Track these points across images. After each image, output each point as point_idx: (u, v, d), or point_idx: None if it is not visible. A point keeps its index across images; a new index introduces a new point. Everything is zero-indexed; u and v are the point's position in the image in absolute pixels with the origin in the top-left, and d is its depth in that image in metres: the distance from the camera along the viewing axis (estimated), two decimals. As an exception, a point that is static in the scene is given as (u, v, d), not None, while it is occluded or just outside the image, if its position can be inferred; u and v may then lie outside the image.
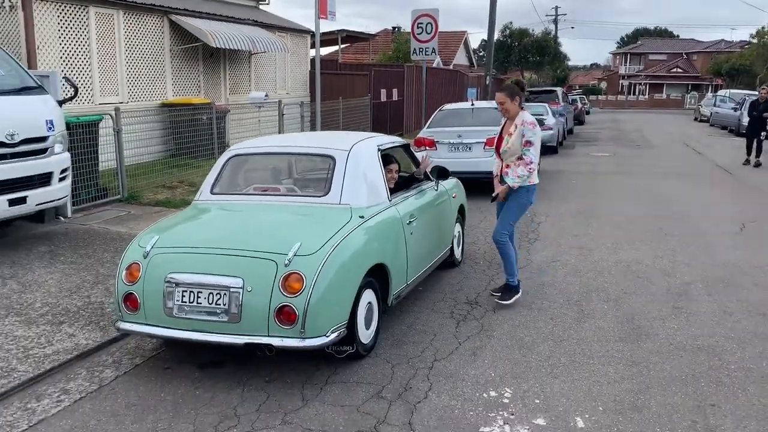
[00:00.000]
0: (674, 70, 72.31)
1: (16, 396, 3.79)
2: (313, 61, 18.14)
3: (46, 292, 5.32)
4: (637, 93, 73.27)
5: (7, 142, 5.89)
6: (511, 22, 52.06)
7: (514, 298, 5.30)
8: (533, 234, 7.94)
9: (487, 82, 22.55)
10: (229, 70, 14.40)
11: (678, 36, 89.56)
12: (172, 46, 12.37)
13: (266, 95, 12.60)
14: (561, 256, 6.92)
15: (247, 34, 13.67)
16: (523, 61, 47.14)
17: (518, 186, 5.18)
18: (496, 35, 45.95)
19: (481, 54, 48.66)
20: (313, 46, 18.56)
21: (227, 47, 12.75)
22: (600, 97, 69.96)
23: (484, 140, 10.14)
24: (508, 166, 5.22)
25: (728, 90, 34.32)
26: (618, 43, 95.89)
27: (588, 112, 41.42)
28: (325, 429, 3.41)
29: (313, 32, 17.09)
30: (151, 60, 11.96)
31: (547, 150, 16.52)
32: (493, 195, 5.42)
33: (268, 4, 17.89)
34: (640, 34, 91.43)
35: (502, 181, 5.31)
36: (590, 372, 4.09)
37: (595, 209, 9.59)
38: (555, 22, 55.74)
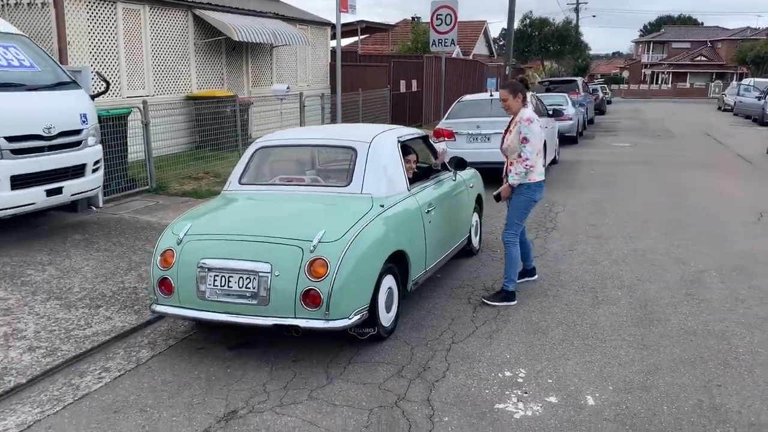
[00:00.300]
0: (698, 58, 71.29)
1: (60, 373, 4.06)
2: (333, 53, 18.35)
3: (83, 277, 5.60)
4: (659, 82, 72.38)
5: (45, 135, 6.18)
6: (531, 12, 51.72)
7: (502, 303, 5.14)
8: (551, 223, 8.08)
9: (507, 72, 22.56)
10: (252, 63, 14.64)
11: (702, 23, 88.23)
12: (196, 40, 12.64)
13: (288, 88, 12.82)
14: (577, 245, 7.07)
15: (269, 28, 13.89)
16: (544, 51, 46.86)
17: (518, 183, 5.19)
18: (517, 24, 45.73)
19: (501, 43, 48.42)
20: (333, 38, 18.74)
21: (250, 41, 12.99)
22: (622, 86, 69.25)
23: (503, 131, 10.26)
24: (511, 163, 5.26)
25: (752, 78, 33.87)
26: (641, 31, 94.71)
27: (609, 102, 41.11)
28: (349, 404, 3.63)
29: (334, 24, 17.27)
30: (176, 54, 12.24)
31: (566, 140, 16.58)
32: (494, 194, 5.47)
33: (288, -4, 18.09)
34: (663, 22, 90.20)
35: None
36: (602, 354, 4.26)
37: (613, 199, 9.69)
38: (576, 10, 55.27)
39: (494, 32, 61.90)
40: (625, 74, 72.29)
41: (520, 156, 5.16)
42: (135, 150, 8.80)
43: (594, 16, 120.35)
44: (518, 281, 5.37)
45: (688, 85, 69.39)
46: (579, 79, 23.81)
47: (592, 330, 4.68)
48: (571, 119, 16.87)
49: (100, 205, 7.78)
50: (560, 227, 7.89)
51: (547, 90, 20.87)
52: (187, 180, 9.65)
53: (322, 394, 3.76)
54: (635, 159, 14.62)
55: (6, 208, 5.98)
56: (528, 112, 5.23)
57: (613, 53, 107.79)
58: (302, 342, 4.38)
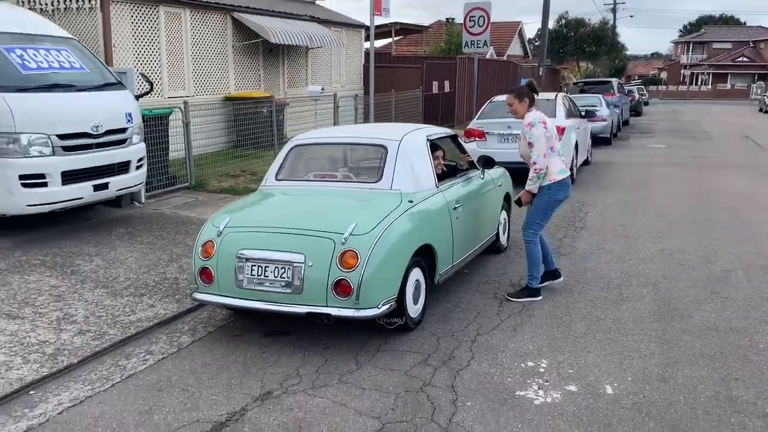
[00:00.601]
0: (740, 59, 69.68)
1: (108, 355, 4.35)
2: (366, 54, 18.60)
3: (127, 268, 5.92)
4: (699, 83, 70.98)
5: (93, 133, 6.53)
6: (567, 12, 51.27)
7: (526, 299, 5.27)
8: (580, 223, 8.17)
9: (541, 73, 22.52)
10: (288, 65, 14.98)
11: (745, 23, 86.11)
12: (234, 42, 13.01)
13: (323, 89, 13.11)
14: (605, 244, 7.15)
15: (305, 30, 14.20)
16: (579, 52, 46.44)
17: (534, 189, 5.29)
18: (552, 25, 45.41)
19: (536, 44, 48.13)
20: (367, 39, 19.01)
21: (286, 43, 13.31)
22: (660, 87, 68.13)
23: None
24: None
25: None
26: (681, 31, 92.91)
27: (646, 103, 40.57)
28: (376, 388, 3.83)
29: (367, 26, 17.52)
30: (215, 56, 12.62)
31: (600, 141, 16.54)
32: (515, 200, 5.61)
33: (324, 0, 18.41)
34: (704, 21, 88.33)
35: None
36: (623, 347, 4.38)
37: (643, 200, 9.70)
38: (613, 10, 54.58)
39: (530, 33, 61.56)
40: (664, 75, 71.07)
41: (531, 161, 5.26)
42: (175, 148, 9.16)
43: (632, 16, 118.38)
44: (542, 284, 5.44)
45: (728, 86, 67.91)
46: (614, 80, 23.63)
47: (615, 325, 4.79)
48: (604, 120, 16.81)
49: (143, 200, 8.14)
50: (589, 226, 7.97)
51: (582, 91, 20.80)
52: (224, 177, 9.99)
53: (352, 378, 3.97)
54: (669, 161, 14.51)
55: (57, 202, 6.34)
56: (530, 116, 5.26)
57: (652, 54, 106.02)
58: (333, 330, 4.60)
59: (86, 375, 4.06)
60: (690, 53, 75.21)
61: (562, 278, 5.62)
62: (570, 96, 15.53)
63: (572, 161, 10.91)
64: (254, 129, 11.80)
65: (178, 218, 7.70)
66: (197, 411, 3.60)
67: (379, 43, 30.23)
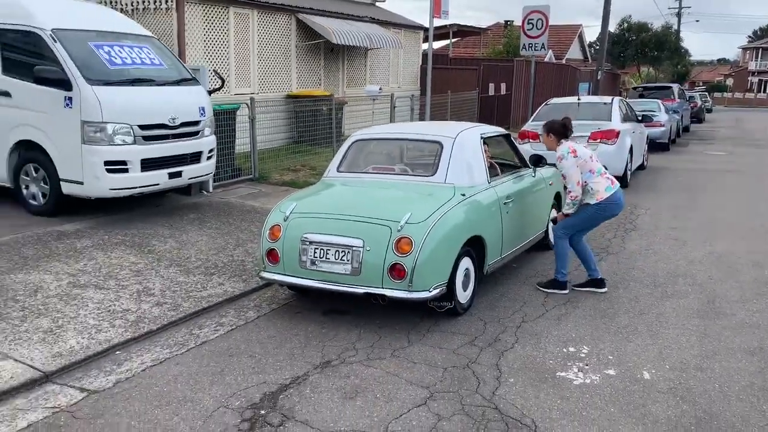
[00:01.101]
0: (813, 66, 66.77)
1: (183, 324, 4.80)
2: (424, 55, 18.92)
3: (198, 250, 6.41)
4: (767, 91, 68.37)
5: (170, 124, 7.06)
6: (630, 16, 50.23)
7: (554, 291, 5.54)
8: (630, 224, 8.27)
9: (599, 77, 22.35)
10: (347, 65, 15.44)
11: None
12: (297, 42, 13.54)
13: (380, 89, 13.49)
14: (655, 245, 7.27)
15: (365, 31, 14.62)
16: (640, 56, 45.53)
17: (569, 213, 5.54)
18: (614, 29, 44.70)
19: (597, 47, 47.42)
20: (425, 41, 19.31)
21: (346, 44, 13.75)
22: (725, 94, 65.94)
23: (588, 134, 10.50)
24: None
25: None
26: (749, 37, 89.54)
27: (709, 110, 39.49)
28: (426, 362, 4.16)
29: (425, 27, 17.83)
30: (279, 55, 13.16)
31: (657, 147, 16.38)
32: (551, 218, 5.91)
33: (384, 2, 18.82)
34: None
35: None
36: (663, 339, 4.57)
37: (697, 205, 9.70)
38: (678, 15, 53.23)
39: (591, 36, 60.63)
40: (729, 82, 68.77)
41: (567, 189, 5.55)
42: (240, 142, 9.69)
43: (697, 20, 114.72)
44: (583, 288, 5.63)
45: (799, 94, 65.18)
46: (675, 86, 23.22)
47: (657, 319, 4.98)
48: (662, 126, 16.63)
49: (210, 189, 8.68)
50: (640, 228, 8.08)
51: (641, 96, 20.58)
52: (285, 171, 10.47)
53: (403, 353, 4.30)
54: (728, 167, 14.29)
55: (136, 187, 6.89)
56: (559, 149, 5.51)
57: (718, 60, 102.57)
58: (387, 311, 4.95)
59: (164, 340, 4.52)
60: (759, 59, 72.55)
61: (605, 289, 5.63)
62: (628, 100, 15.47)
63: (626, 165, 10.96)
64: (314, 126, 12.28)
65: (243, 207, 8.20)
66: (264, 374, 4.00)
67: (437, 44, 30.48)
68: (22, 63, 6.80)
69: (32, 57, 6.73)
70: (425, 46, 20.06)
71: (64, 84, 6.49)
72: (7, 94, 6.81)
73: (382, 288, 4.53)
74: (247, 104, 9.65)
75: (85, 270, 5.59)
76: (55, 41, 6.59)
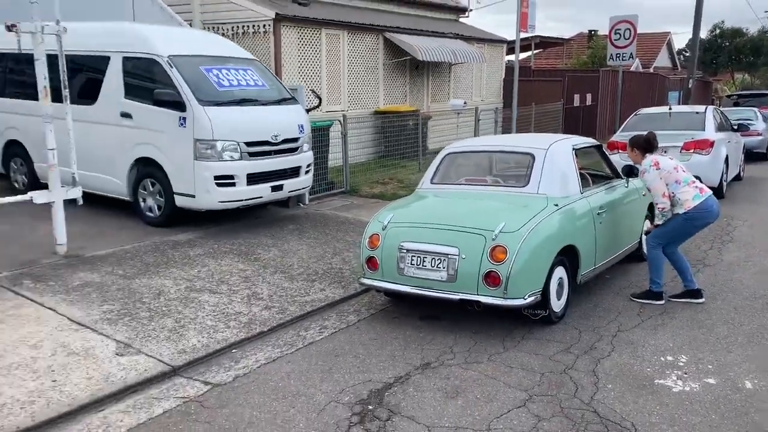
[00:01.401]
0: None
1: (290, 326, 5.16)
2: (507, 68, 18.99)
3: (299, 258, 6.81)
4: None
5: (272, 141, 7.54)
6: (722, 21, 48.05)
7: (649, 301, 5.56)
8: (727, 236, 8.06)
9: (690, 85, 21.62)
10: (432, 80, 15.74)
11: None
12: (384, 60, 13.97)
13: (465, 103, 13.69)
14: (753, 257, 7.07)
15: (449, 47, 14.88)
16: (734, 62, 43.48)
17: (660, 224, 5.60)
18: (705, 35, 42.91)
19: (686, 54, 45.66)
20: (508, 53, 19.39)
21: (432, 60, 14.05)
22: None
23: (681, 144, 10.29)
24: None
25: None
26: None
27: (813, 117, 37.10)
28: (523, 367, 4.31)
29: (508, 40, 17.93)
30: (367, 72, 13.63)
31: (754, 157, 15.69)
32: (644, 230, 6.05)
33: (467, 17, 19.05)
34: None
35: None
36: (766, 351, 4.51)
37: (801, 216, 9.30)
38: (777, 17, 50.44)
39: (680, 43, 58.41)
40: (836, 86, 64.23)
41: (654, 201, 5.65)
42: (332, 157, 10.12)
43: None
44: (680, 299, 5.60)
45: None
46: (775, 93, 22.09)
47: (759, 330, 4.90)
48: (760, 135, 15.93)
49: (306, 202, 9.14)
50: (737, 240, 7.86)
51: (736, 104, 19.75)
52: (374, 184, 10.84)
53: (500, 358, 4.47)
54: (835, 177, 13.53)
55: (242, 200, 7.40)
56: (643, 163, 5.62)
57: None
58: (481, 318, 5.12)
59: (274, 341, 4.88)
60: None
61: (703, 299, 5.58)
62: (722, 109, 14.95)
63: (722, 176, 10.63)
64: (400, 140, 12.61)
65: (337, 218, 8.59)
66: (369, 373, 4.27)
67: (520, 56, 30.29)
68: (141, 87, 7.46)
69: (150, 82, 7.38)
70: (508, 57, 20.11)
71: (179, 105, 7.08)
72: (128, 115, 7.48)
73: (477, 295, 4.72)
74: (339, 121, 10.09)
75: (199, 276, 6.08)
76: (171, 67, 7.20)
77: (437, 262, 4.87)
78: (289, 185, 7.87)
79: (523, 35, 14.93)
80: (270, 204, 8.59)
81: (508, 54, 19.89)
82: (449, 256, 4.82)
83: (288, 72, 11.42)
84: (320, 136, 9.57)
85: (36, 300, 5.25)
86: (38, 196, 6.11)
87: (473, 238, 4.81)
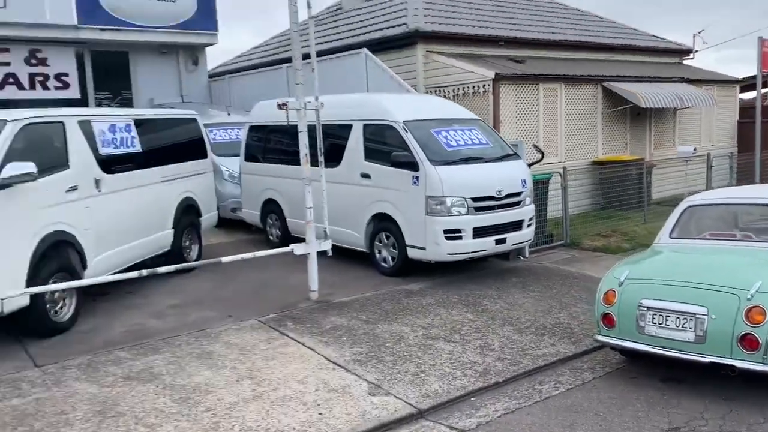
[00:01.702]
0: None
1: (524, 379, 5.26)
2: (740, 109, 17.44)
3: (525, 311, 6.90)
4: None
5: (496, 196, 7.83)
6: None
7: None
8: None
9: None
10: (654, 127, 15.03)
11: None
12: (603, 110, 13.70)
13: (695, 149, 12.84)
14: None
15: (673, 92, 14.14)
16: None
17: None
18: None
19: None
20: (741, 91, 17.84)
21: (656, 106, 13.47)
22: None
23: None
24: None
25: None
26: None
27: None
28: (790, 441, 3.94)
29: (739, 80, 16.58)
30: (585, 123, 13.47)
31: None
32: None
33: (692, 58, 17.98)
34: None
35: None
36: None
37: None
38: None
39: None
40: None
41: None
42: (551, 209, 10.12)
43: None
44: None
45: None
46: None
47: None
48: None
49: (527, 255, 9.23)
50: None
51: None
52: (596, 237, 10.57)
53: (761, 429, 4.13)
54: None
55: (468, 252, 7.74)
56: None
57: None
58: (731, 383, 4.77)
59: (510, 392, 5.01)
60: None
61: None
62: None
63: None
64: (621, 191, 12.18)
65: (560, 272, 8.55)
66: (612, 432, 4.21)
67: (748, 95, 27.57)
68: (378, 150, 8.25)
69: (386, 145, 8.13)
70: (741, 96, 18.46)
71: (413, 165, 7.70)
72: (367, 176, 8.29)
73: (731, 359, 4.44)
74: (559, 173, 10.10)
75: (433, 324, 6.45)
76: (406, 131, 7.88)
77: (682, 322, 4.68)
78: (512, 238, 8.05)
79: (752, 71, 13.70)
80: (492, 256, 8.83)
81: (742, 92, 18.28)
82: (697, 316, 4.61)
83: (506, 127, 11.74)
84: (539, 188, 9.65)
85: (298, 340, 5.99)
86: (297, 248, 7.00)
87: (725, 297, 4.56)
